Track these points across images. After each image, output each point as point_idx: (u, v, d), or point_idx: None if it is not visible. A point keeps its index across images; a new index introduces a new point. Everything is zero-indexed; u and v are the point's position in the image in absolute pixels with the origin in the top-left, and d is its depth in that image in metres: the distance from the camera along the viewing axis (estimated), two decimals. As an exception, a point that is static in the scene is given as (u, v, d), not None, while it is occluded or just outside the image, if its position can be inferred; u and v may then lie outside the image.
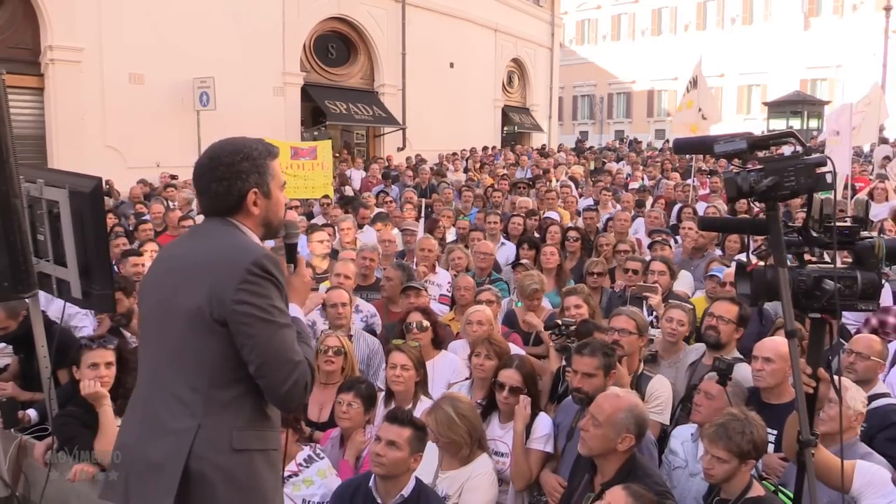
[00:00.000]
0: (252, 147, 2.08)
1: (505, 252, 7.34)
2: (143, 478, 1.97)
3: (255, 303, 1.92)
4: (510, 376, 3.51)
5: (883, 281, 2.17)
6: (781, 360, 3.46)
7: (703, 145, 2.18)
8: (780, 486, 2.99)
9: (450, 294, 5.95)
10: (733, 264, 3.90)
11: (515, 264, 6.33)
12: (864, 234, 2.16)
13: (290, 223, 2.38)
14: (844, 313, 3.14)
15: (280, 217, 2.19)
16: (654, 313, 4.91)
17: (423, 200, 10.19)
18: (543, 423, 3.51)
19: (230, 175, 2.03)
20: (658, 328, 4.73)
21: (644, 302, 5.03)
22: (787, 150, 2.33)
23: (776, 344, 3.55)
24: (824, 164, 2.00)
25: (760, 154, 2.16)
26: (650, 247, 6.80)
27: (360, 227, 8.26)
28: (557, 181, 13.17)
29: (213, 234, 2.08)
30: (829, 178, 2.00)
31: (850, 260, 2.20)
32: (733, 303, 4.08)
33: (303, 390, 2.03)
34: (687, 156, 14.94)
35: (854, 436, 3.01)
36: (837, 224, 2.13)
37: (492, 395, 3.62)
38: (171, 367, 2.00)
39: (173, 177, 12.49)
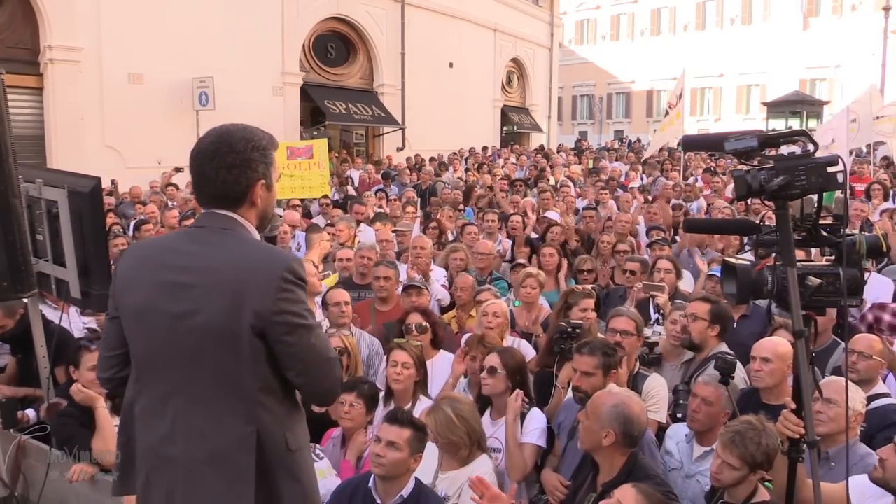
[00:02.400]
0: (260, 136, 2.03)
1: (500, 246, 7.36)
2: (204, 474, 1.90)
3: (293, 310, 1.90)
4: (490, 358, 3.60)
5: (865, 276, 2.20)
6: (780, 360, 3.47)
7: (713, 142, 2.19)
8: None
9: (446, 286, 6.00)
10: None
11: (514, 265, 6.32)
12: (846, 231, 2.22)
13: (274, 216, 2.38)
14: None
15: (273, 210, 2.17)
16: (661, 311, 4.87)
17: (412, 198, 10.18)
18: (536, 417, 3.55)
19: (241, 163, 1.96)
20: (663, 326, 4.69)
21: (651, 301, 5.00)
22: (785, 149, 2.34)
23: (774, 344, 3.55)
24: (835, 164, 2.01)
25: (770, 152, 2.17)
26: (649, 246, 6.80)
27: (357, 223, 8.19)
28: (556, 181, 13.15)
29: (224, 239, 1.96)
30: (839, 178, 2.01)
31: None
32: (706, 301, 4.13)
33: (339, 384, 2.14)
34: (686, 155, 14.95)
35: (854, 436, 3.01)
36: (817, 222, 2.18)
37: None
38: (205, 381, 1.91)
39: (178, 169, 12.45)
